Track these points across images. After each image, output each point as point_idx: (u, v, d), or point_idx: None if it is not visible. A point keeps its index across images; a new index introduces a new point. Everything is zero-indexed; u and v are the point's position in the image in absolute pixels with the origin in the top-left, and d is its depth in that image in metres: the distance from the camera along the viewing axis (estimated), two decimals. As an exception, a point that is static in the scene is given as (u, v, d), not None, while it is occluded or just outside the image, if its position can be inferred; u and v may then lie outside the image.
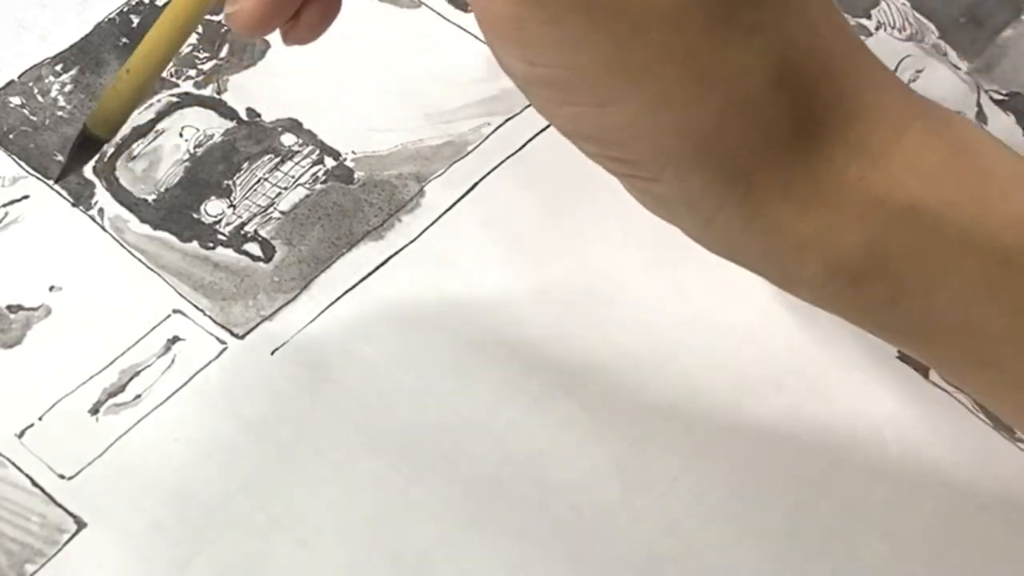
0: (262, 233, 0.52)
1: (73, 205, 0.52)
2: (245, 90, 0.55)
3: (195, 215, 0.52)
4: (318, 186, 0.53)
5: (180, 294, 0.50)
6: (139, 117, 0.54)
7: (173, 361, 0.49)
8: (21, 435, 0.48)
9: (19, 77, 0.55)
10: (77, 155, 0.46)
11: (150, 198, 0.52)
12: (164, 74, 0.55)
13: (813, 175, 0.40)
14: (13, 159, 0.53)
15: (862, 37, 0.56)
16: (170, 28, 0.43)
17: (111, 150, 0.53)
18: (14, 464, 0.47)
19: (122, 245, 0.51)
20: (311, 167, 0.53)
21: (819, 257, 0.41)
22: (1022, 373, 0.41)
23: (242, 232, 0.52)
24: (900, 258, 0.40)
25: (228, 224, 0.52)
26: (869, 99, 0.41)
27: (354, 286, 0.51)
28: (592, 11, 0.38)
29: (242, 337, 0.50)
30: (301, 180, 0.53)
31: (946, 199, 0.40)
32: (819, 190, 0.40)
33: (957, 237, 0.40)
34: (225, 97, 0.55)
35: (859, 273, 0.41)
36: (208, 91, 0.55)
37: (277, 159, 0.53)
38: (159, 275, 0.51)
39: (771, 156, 0.40)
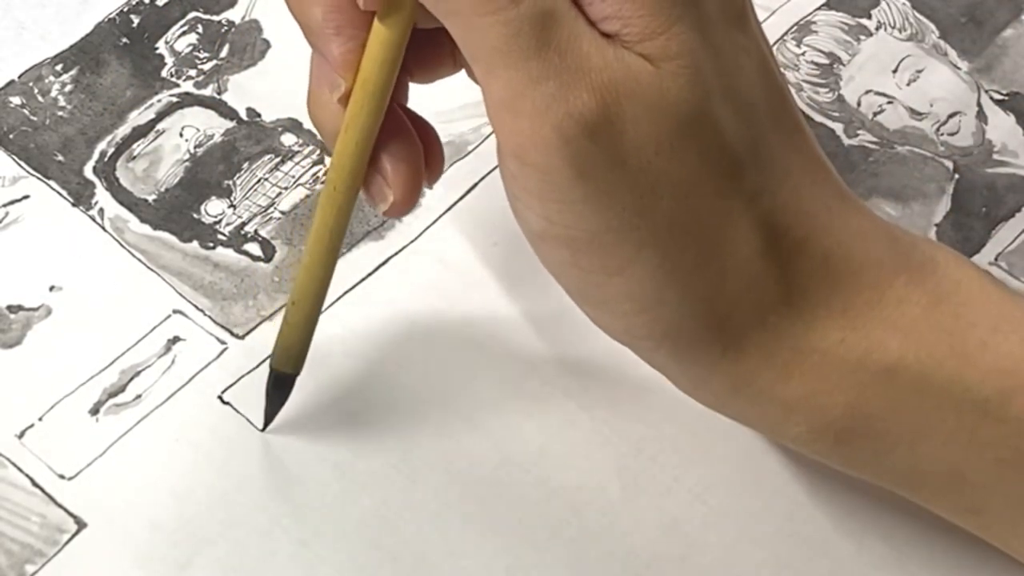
0: (262, 233, 0.52)
1: (73, 205, 0.52)
2: (245, 90, 0.55)
3: (195, 215, 0.52)
4: (318, 186, 0.53)
5: (180, 294, 0.50)
6: (139, 117, 0.54)
7: (173, 361, 0.49)
8: (21, 435, 0.48)
9: (19, 77, 0.55)
10: (273, 397, 0.47)
11: (150, 198, 0.52)
12: (164, 74, 0.55)
13: (796, 340, 0.41)
14: (13, 159, 0.53)
15: (862, 37, 0.56)
16: (321, 251, 0.44)
17: (112, 150, 0.53)
18: (14, 464, 0.47)
19: (122, 245, 0.51)
20: (311, 167, 0.53)
21: (803, 419, 0.42)
22: (1010, 518, 0.42)
23: (242, 232, 0.52)
24: (881, 417, 0.41)
25: (228, 224, 0.52)
26: (855, 256, 0.41)
27: (354, 286, 0.51)
28: (618, 169, 0.38)
29: (242, 337, 0.50)
30: (301, 180, 0.53)
31: (926, 354, 0.41)
32: (801, 355, 0.41)
33: (937, 392, 0.41)
34: (225, 97, 0.55)
35: (842, 432, 0.42)
36: (208, 91, 0.55)
37: (277, 159, 0.53)
38: (159, 275, 0.51)
39: (759, 322, 0.41)
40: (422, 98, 0.54)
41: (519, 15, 0.37)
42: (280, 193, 0.53)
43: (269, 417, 0.47)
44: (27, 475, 0.47)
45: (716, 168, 0.39)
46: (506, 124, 0.38)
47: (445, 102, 0.54)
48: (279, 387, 0.47)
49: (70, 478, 0.47)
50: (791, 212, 0.41)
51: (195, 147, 0.53)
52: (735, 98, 0.39)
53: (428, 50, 0.43)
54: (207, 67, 0.55)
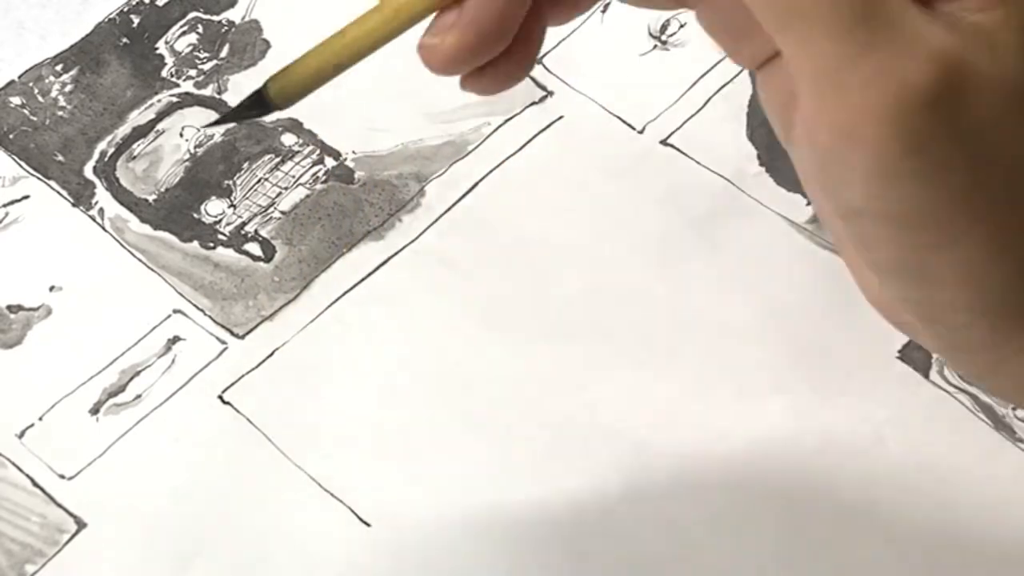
0: (262, 233, 0.52)
1: (73, 205, 0.52)
2: (245, 90, 0.55)
3: (195, 215, 0.52)
4: (318, 186, 0.53)
5: (180, 294, 0.50)
6: (139, 117, 0.54)
7: (173, 361, 0.49)
8: (21, 435, 0.48)
9: (19, 77, 0.55)
10: (243, 111, 0.41)
11: (150, 198, 0.52)
12: (164, 74, 0.55)
13: None
14: (13, 159, 0.53)
15: (862, 37, 0.56)
16: (383, 21, 0.40)
17: (112, 150, 0.53)
18: (14, 464, 0.47)
19: (122, 245, 0.51)
20: (311, 167, 0.53)
21: None
22: None
23: (242, 232, 0.52)
24: None
25: (228, 224, 0.52)
26: None
27: (354, 286, 0.51)
28: (955, 143, 0.36)
29: (242, 337, 0.50)
30: (301, 180, 0.53)
31: None
32: None
33: None
34: (225, 97, 0.55)
35: None
36: (208, 91, 0.55)
37: (277, 159, 0.53)
38: (159, 275, 0.51)
39: None
40: (422, 98, 0.55)
41: None
42: (280, 193, 0.52)
43: (225, 119, 0.44)
44: (27, 475, 0.47)
45: None
46: (828, 98, 0.36)
47: (445, 102, 0.54)
48: (255, 106, 0.40)
49: (70, 478, 0.47)
50: None
51: (195, 147, 0.53)
52: None
53: None
54: (207, 67, 0.55)
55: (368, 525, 0.46)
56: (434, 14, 0.40)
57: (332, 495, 0.47)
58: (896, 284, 0.40)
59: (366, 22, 0.41)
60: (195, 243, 0.51)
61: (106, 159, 0.53)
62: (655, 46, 0.56)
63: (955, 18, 0.37)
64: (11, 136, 0.53)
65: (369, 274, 0.51)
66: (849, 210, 0.39)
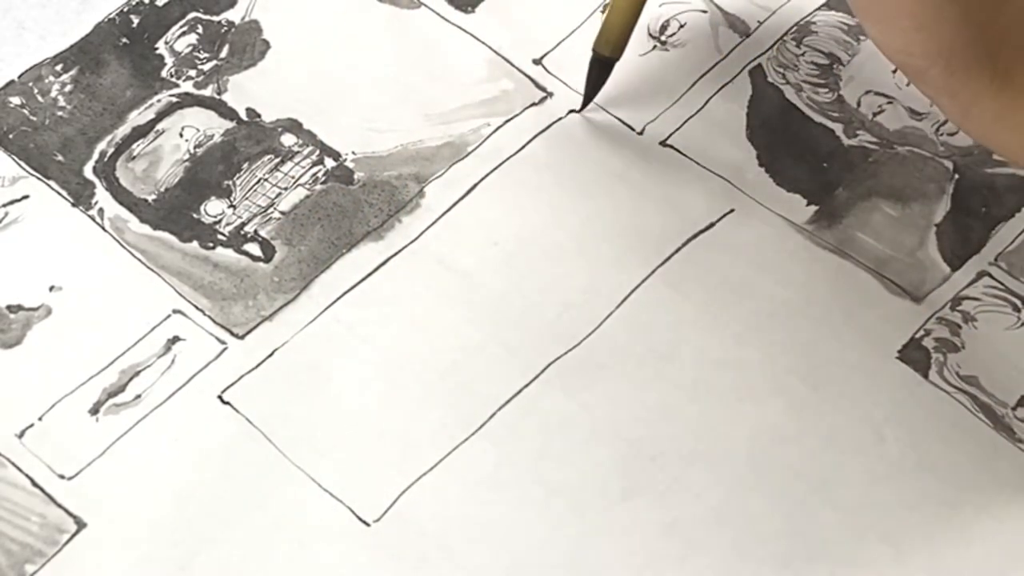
0: (262, 233, 0.52)
1: (73, 205, 0.52)
2: (245, 90, 0.55)
3: (195, 215, 0.52)
4: (318, 186, 0.53)
5: (180, 294, 0.50)
6: (139, 117, 0.54)
7: (173, 361, 0.49)
8: (21, 435, 0.48)
9: (19, 77, 0.55)
10: (593, 79, 0.53)
11: (150, 198, 0.52)
12: (164, 74, 0.55)
13: None
14: (13, 159, 0.53)
15: (861, 38, 0.56)
16: None
17: (111, 150, 0.53)
18: (14, 464, 0.47)
19: (122, 245, 0.51)
20: (311, 167, 0.53)
21: None
22: None
23: (242, 232, 0.52)
24: None
25: (228, 224, 0.52)
26: None
27: (354, 286, 0.51)
28: None
29: (242, 337, 0.50)
30: (301, 180, 0.53)
31: None
32: None
33: None
34: (225, 97, 0.55)
35: None
36: (208, 91, 0.55)
37: (277, 159, 0.53)
38: (159, 275, 0.51)
39: None
40: (422, 98, 0.55)
41: None
42: (280, 193, 0.53)
43: (587, 99, 0.54)
44: (27, 475, 0.47)
45: None
46: None
47: (445, 103, 0.54)
48: (599, 70, 0.53)
49: (70, 478, 0.47)
50: None
51: (195, 147, 0.53)
52: None
53: None
54: (207, 67, 0.55)
55: (368, 525, 0.46)
56: None
57: (332, 495, 0.47)
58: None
59: None
60: (195, 243, 0.51)
61: (106, 159, 0.53)
62: (655, 46, 0.56)
63: None
64: (11, 136, 0.53)
65: (369, 275, 0.51)
66: None
